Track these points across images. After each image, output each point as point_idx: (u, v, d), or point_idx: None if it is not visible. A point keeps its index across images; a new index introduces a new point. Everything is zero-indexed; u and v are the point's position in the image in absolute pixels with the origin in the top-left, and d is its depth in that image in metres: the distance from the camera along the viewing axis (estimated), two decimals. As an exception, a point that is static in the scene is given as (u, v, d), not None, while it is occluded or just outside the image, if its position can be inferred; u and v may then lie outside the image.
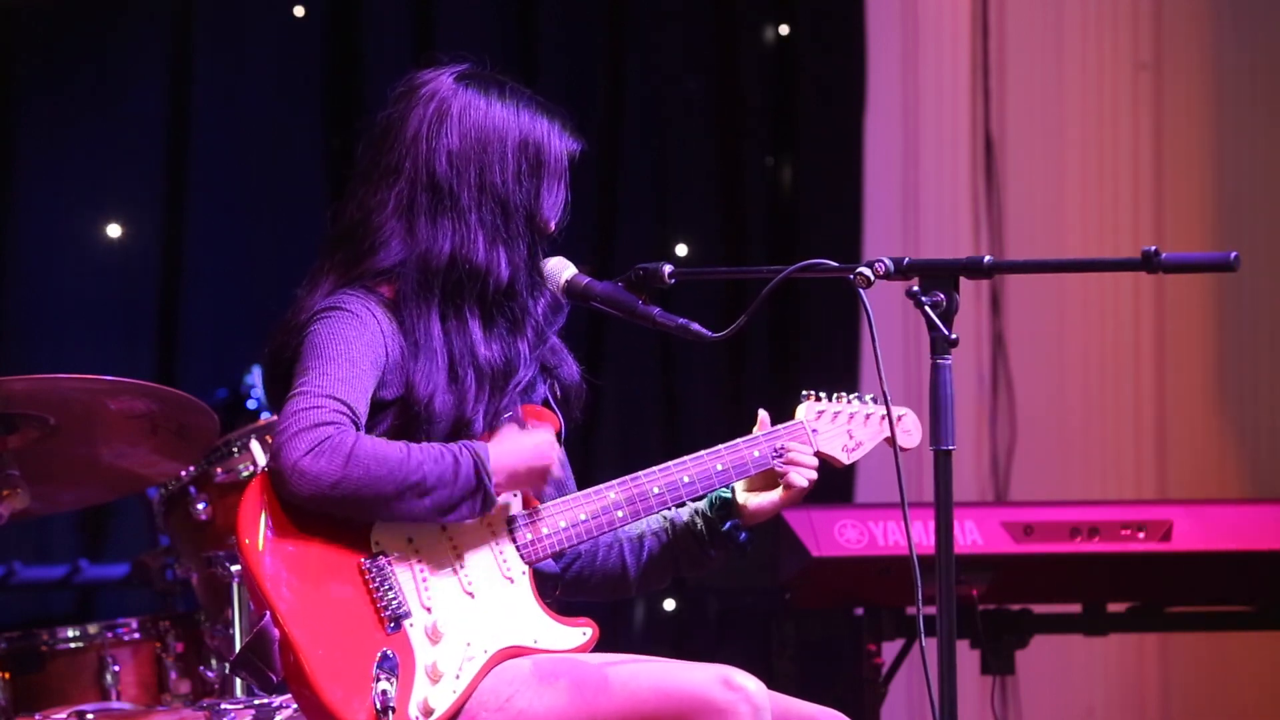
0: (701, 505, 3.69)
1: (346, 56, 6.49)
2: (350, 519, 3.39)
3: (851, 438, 3.72)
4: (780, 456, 3.63)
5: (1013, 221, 7.10)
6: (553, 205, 3.61)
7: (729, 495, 3.67)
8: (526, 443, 3.49)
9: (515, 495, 3.54)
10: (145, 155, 6.30)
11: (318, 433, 3.31)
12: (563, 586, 3.67)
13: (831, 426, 3.71)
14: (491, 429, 3.52)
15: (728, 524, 3.67)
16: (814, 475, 3.64)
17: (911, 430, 3.72)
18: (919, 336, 6.28)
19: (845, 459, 3.72)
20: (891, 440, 3.66)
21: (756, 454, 3.64)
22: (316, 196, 6.28)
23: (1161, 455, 7.06)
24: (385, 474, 3.33)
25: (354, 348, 3.43)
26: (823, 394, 3.72)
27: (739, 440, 3.65)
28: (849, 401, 3.73)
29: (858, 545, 5.10)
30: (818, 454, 3.67)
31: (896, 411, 3.65)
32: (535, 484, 3.51)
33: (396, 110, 3.60)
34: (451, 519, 3.43)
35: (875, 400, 3.75)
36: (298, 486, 3.31)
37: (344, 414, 3.35)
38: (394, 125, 3.59)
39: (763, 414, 3.69)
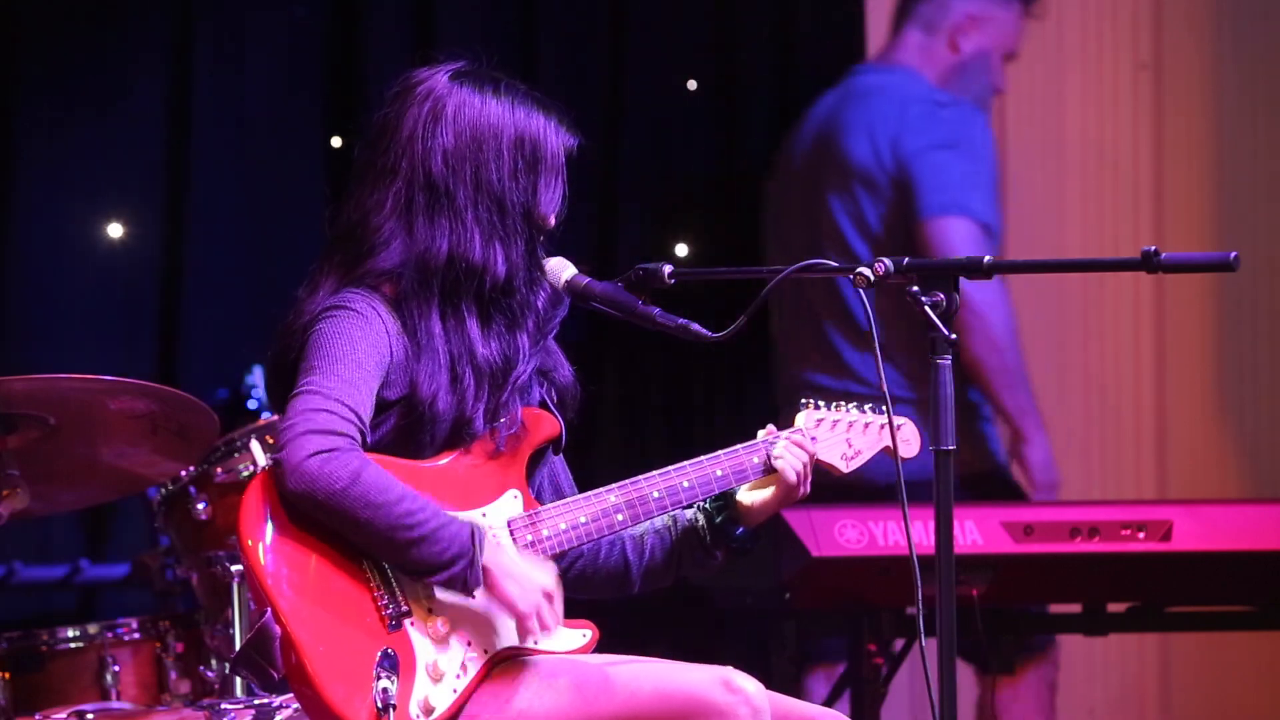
0: (704, 504, 3.70)
1: (346, 56, 6.49)
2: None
3: (850, 446, 3.72)
4: (773, 450, 3.64)
5: (1013, 221, 7.10)
6: (550, 201, 3.61)
7: (730, 493, 3.68)
8: (529, 573, 3.45)
9: (516, 497, 3.55)
10: (145, 155, 6.30)
11: (328, 440, 3.31)
12: (565, 584, 3.67)
13: (830, 435, 3.71)
14: (492, 429, 3.52)
15: (720, 518, 3.68)
16: (800, 466, 3.63)
17: (910, 439, 3.73)
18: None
19: (844, 467, 3.73)
20: (891, 450, 3.67)
21: (755, 460, 3.65)
22: (317, 197, 6.28)
23: (1161, 455, 7.06)
24: (383, 503, 3.32)
25: (359, 347, 3.43)
26: (821, 402, 3.73)
27: (739, 446, 3.65)
28: (847, 410, 3.73)
29: (858, 545, 5.10)
30: (817, 462, 3.68)
31: (895, 420, 3.65)
32: (512, 607, 3.43)
33: (392, 110, 3.60)
34: (427, 579, 3.40)
35: (874, 410, 3.75)
36: (295, 484, 3.30)
37: (353, 424, 3.35)
38: (390, 125, 3.59)
39: (770, 427, 3.70)
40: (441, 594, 3.42)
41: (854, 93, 6.11)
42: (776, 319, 6.39)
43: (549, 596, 3.43)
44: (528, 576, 3.43)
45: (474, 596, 3.40)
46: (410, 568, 3.38)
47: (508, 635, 3.47)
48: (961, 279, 5.64)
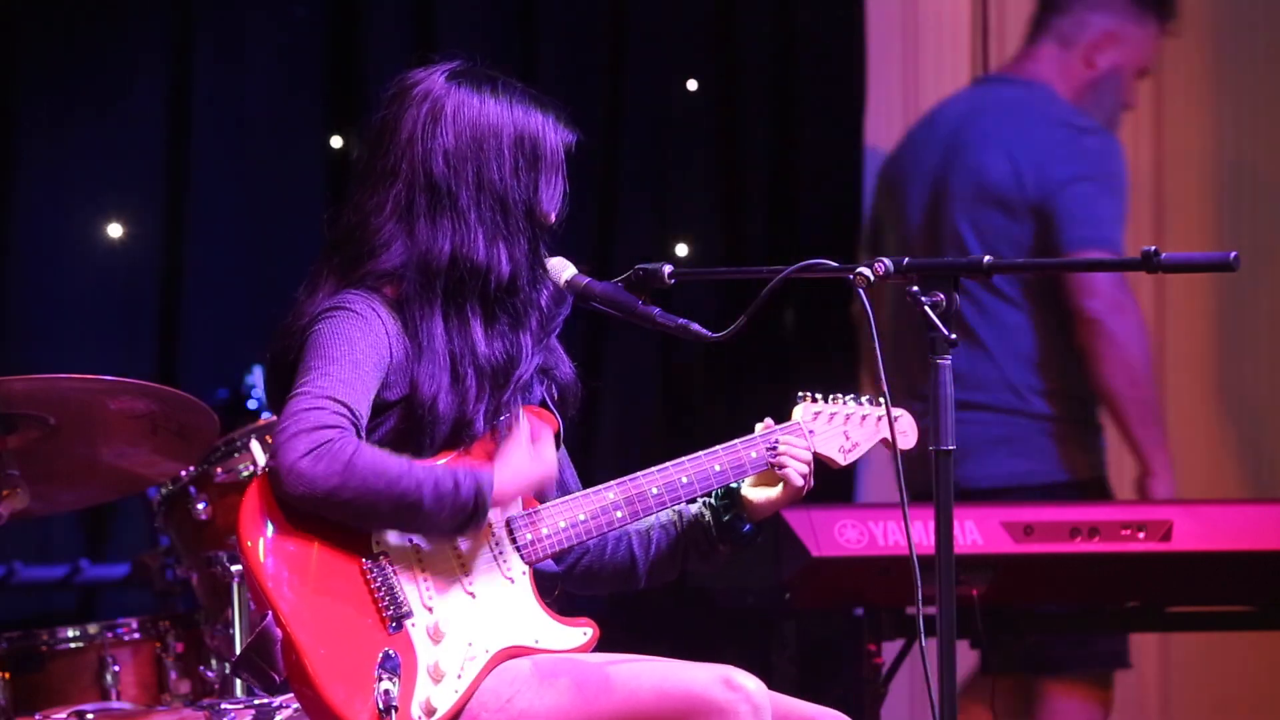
0: (710, 499, 3.70)
1: (346, 56, 6.49)
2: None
3: (848, 439, 3.73)
4: (776, 455, 3.65)
5: (1013, 222, 7.09)
6: (551, 198, 3.62)
7: (735, 488, 3.68)
8: (529, 463, 3.49)
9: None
10: (145, 155, 6.29)
11: (318, 436, 3.31)
12: (572, 580, 3.69)
13: (828, 428, 3.72)
14: (493, 428, 3.52)
15: (728, 516, 3.68)
16: (806, 470, 3.64)
17: (908, 431, 3.73)
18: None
19: (842, 460, 3.73)
20: (889, 442, 3.68)
21: (754, 455, 3.65)
22: (317, 197, 6.28)
23: (1161, 455, 7.04)
24: (382, 487, 3.33)
25: (357, 348, 3.43)
26: (818, 395, 3.74)
27: (738, 441, 3.66)
28: (845, 403, 3.74)
29: (858, 545, 5.10)
30: (815, 455, 3.68)
31: (893, 412, 3.66)
32: (541, 492, 3.53)
33: (390, 112, 3.60)
34: (441, 539, 3.43)
35: (871, 401, 3.76)
36: (292, 487, 3.31)
37: (345, 417, 3.35)
38: (388, 127, 3.59)
39: (768, 420, 3.70)
40: (441, 597, 3.42)
41: (988, 105, 6.08)
42: (881, 329, 6.36)
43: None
44: (531, 472, 3.50)
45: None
46: (416, 534, 3.41)
47: (507, 635, 3.47)
48: (1099, 309, 5.69)
